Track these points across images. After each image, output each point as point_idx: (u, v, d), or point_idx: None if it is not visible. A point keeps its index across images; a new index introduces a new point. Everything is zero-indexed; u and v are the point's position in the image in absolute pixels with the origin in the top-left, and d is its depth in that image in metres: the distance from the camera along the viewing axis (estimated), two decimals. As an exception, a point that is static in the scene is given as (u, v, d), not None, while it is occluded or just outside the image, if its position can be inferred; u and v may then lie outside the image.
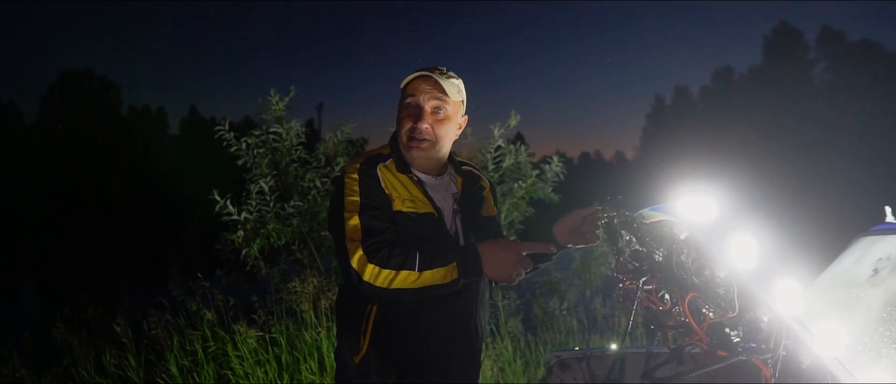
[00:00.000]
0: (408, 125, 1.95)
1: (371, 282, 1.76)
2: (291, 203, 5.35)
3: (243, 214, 5.11)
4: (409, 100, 1.96)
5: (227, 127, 5.37)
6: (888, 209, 2.30)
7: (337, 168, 5.65)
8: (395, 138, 2.02)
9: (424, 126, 1.94)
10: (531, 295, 5.74)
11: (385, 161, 1.96)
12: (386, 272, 1.76)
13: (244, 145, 5.42)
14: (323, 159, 5.77)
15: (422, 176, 2.01)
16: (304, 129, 5.81)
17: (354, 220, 1.82)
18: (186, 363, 4.18)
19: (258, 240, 5.13)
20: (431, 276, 1.77)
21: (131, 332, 4.38)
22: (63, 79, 58.61)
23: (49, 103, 57.70)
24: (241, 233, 5.07)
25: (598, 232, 2.11)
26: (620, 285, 2.14)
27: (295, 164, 5.57)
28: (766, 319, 1.18)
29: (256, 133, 5.46)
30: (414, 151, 1.96)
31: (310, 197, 5.51)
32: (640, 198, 1.54)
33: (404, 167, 1.96)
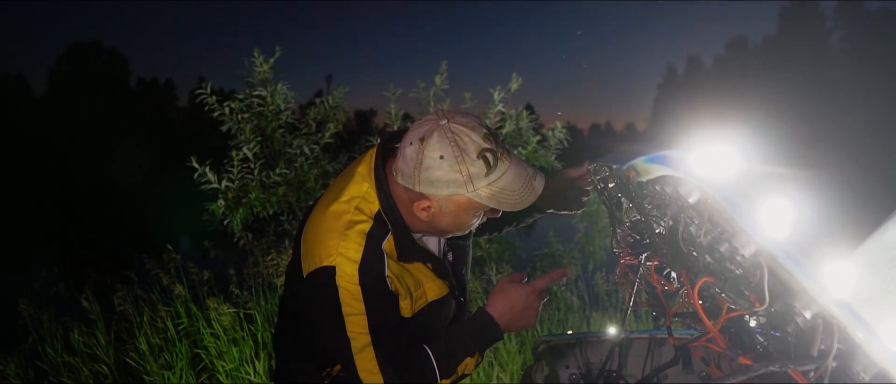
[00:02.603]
0: (467, 226, 1.48)
1: None
2: (277, 171, 5.04)
3: (224, 183, 4.82)
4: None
5: (208, 90, 5.03)
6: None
7: (327, 134, 5.35)
8: (389, 199, 1.43)
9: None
10: (531, 269, 5.44)
11: (382, 240, 1.42)
12: None
13: (227, 110, 5.10)
14: (313, 125, 5.45)
15: (417, 236, 1.54)
16: (293, 95, 5.50)
17: (366, 349, 1.39)
18: (157, 341, 3.91)
19: (241, 210, 4.84)
20: (457, 375, 1.47)
21: (101, 308, 4.11)
22: (71, 51, 58.57)
23: (57, 76, 57.73)
24: (221, 202, 4.78)
25: (585, 199, 1.79)
26: (619, 261, 1.83)
27: (281, 130, 5.25)
28: (808, 315, 0.85)
29: (240, 97, 5.14)
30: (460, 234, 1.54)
31: (297, 165, 5.21)
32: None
33: (412, 252, 1.47)
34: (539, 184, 1.41)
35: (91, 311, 4.06)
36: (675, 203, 1.01)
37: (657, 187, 1.06)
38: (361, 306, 1.38)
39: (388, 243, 1.43)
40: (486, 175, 1.34)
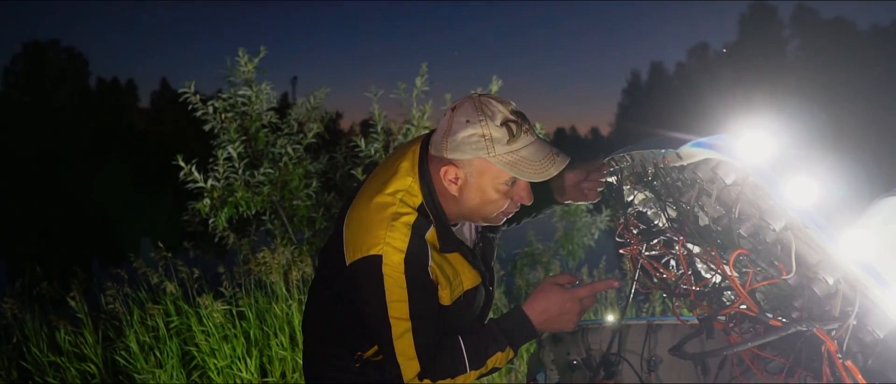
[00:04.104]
0: (510, 204, 1.54)
1: None
2: (261, 170, 5.07)
3: (209, 181, 4.83)
4: (524, 182, 1.51)
5: (192, 89, 5.03)
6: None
7: (310, 134, 5.40)
8: (433, 193, 1.52)
9: (529, 202, 1.57)
10: (512, 267, 5.57)
11: (425, 231, 1.49)
12: (442, 383, 1.51)
13: (211, 109, 5.11)
14: (295, 126, 5.49)
15: (455, 229, 1.62)
16: (276, 95, 5.53)
17: (405, 334, 1.47)
18: (147, 339, 3.91)
19: (226, 209, 4.86)
20: (486, 368, 1.55)
21: (88, 307, 4.08)
22: (27, 50, 57.02)
23: (13, 75, 56.14)
24: (207, 201, 4.80)
25: (600, 189, 1.90)
26: (621, 251, 1.94)
27: (265, 130, 5.28)
28: (830, 280, 0.96)
29: (224, 96, 5.15)
30: (497, 223, 1.60)
31: (281, 164, 5.25)
32: (666, 140, 1.29)
33: (452, 243, 1.54)
34: (563, 160, 1.46)
35: (78, 310, 4.03)
36: (704, 186, 1.11)
37: (686, 174, 1.17)
38: (404, 293, 1.45)
39: (431, 234, 1.50)
40: (508, 142, 1.41)
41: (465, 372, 1.51)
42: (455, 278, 1.55)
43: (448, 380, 1.50)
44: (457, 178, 1.48)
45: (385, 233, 1.44)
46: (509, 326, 1.56)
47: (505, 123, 1.41)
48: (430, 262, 1.48)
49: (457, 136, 1.43)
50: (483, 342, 1.53)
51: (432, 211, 1.51)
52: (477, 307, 1.67)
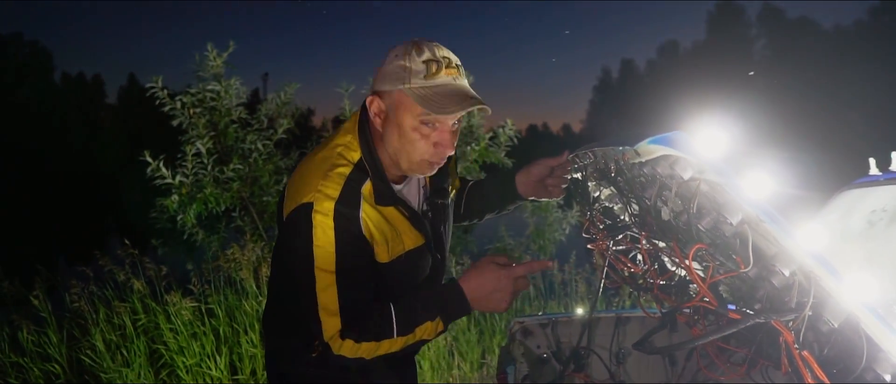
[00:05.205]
0: (431, 149, 1.51)
1: (349, 356, 1.47)
2: (231, 166, 5.02)
3: (178, 178, 4.77)
4: (439, 123, 1.49)
5: (159, 84, 4.95)
6: (872, 161, 2.17)
7: (280, 130, 5.36)
8: (371, 148, 1.53)
9: (451, 151, 1.55)
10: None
11: (361, 185, 1.49)
12: (366, 345, 1.46)
13: (179, 104, 5.04)
14: (265, 121, 5.44)
15: (398, 188, 1.60)
16: (245, 90, 5.47)
17: (329, 288, 1.43)
18: (114, 338, 3.84)
19: (195, 206, 4.80)
20: (414, 336, 1.49)
21: (52, 306, 4.00)
22: (-11, 42, 55.38)
23: (-27, 68, 54.46)
24: (175, 197, 4.73)
25: (564, 186, 1.92)
26: (589, 246, 1.96)
27: (235, 125, 5.22)
28: (786, 272, 0.99)
29: (193, 91, 5.08)
30: (424, 173, 1.58)
31: (251, 160, 5.20)
32: (629, 134, 1.30)
33: (389, 197, 1.53)
34: (471, 103, 1.45)
35: (41, 309, 3.94)
36: (665, 181, 1.13)
37: (646, 170, 1.19)
38: (332, 242, 1.43)
39: (367, 188, 1.50)
40: (425, 77, 1.44)
41: (392, 337, 1.47)
42: (394, 237, 1.53)
43: (372, 343, 1.46)
44: (380, 111, 1.51)
45: (318, 181, 1.46)
46: (442, 298, 1.52)
47: (428, 61, 1.45)
48: (362, 214, 1.47)
49: (384, 69, 1.49)
50: (414, 309, 1.49)
51: (370, 165, 1.51)
52: (422, 271, 1.64)
